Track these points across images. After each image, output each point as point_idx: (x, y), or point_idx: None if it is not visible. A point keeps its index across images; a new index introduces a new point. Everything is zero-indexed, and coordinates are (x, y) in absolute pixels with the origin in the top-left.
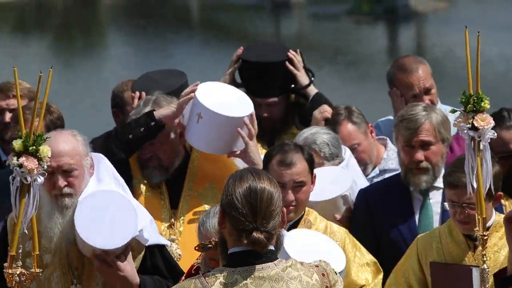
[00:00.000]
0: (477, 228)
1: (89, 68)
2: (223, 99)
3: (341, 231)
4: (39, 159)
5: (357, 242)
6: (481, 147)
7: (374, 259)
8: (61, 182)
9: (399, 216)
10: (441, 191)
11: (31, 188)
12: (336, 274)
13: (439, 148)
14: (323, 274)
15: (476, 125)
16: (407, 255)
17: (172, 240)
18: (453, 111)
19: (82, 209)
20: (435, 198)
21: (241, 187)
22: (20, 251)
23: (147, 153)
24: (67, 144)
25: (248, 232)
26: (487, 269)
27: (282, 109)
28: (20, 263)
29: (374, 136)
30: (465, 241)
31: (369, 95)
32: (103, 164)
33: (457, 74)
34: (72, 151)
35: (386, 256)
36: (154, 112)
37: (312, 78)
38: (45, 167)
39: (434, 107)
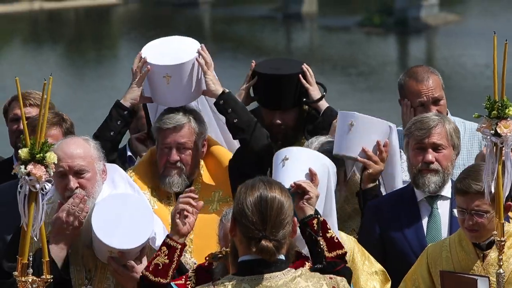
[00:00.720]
0: (495, 232)
1: (101, 80)
2: (175, 51)
3: (350, 240)
4: (46, 166)
5: (365, 251)
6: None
7: (383, 268)
8: (73, 183)
9: (407, 226)
10: (448, 201)
11: (38, 196)
12: None
13: (450, 153)
14: (333, 287)
15: (499, 131)
16: (417, 264)
17: (185, 250)
18: (478, 116)
19: (99, 210)
20: (443, 208)
21: (252, 196)
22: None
23: (173, 158)
24: (79, 147)
25: (257, 240)
26: (503, 273)
27: (295, 117)
28: (31, 270)
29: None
30: (474, 251)
31: (377, 105)
32: (118, 173)
33: (466, 87)
34: (83, 153)
35: (394, 266)
36: (121, 101)
37: (324, 93)
38: (52, 174)
39: (446, 116)
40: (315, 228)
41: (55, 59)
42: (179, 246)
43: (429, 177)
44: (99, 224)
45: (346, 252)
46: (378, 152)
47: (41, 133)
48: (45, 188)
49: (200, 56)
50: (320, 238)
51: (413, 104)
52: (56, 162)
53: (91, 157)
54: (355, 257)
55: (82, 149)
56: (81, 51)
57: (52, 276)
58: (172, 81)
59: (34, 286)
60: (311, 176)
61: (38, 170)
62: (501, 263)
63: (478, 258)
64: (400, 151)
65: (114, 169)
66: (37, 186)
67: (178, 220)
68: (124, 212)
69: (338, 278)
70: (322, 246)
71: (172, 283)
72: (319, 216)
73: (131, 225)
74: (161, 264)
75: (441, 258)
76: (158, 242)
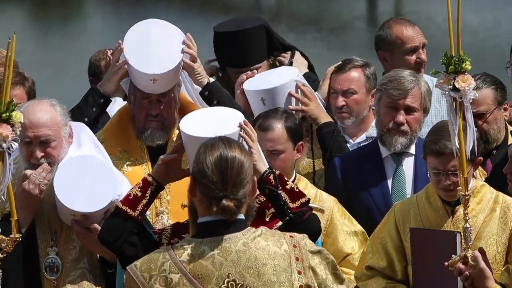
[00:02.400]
0: (459, 187)
1: (68, 37)
2: (156, 48)
3: (330, 200)
4: (12, 125)
5: (346, 211)
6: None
7: (363, 229)
8: (38, 153)
9: (372, 182)
10: (413, 157)
11: (5, 155)
12: (316, 253)
13: (420, 116)
14: (294, 246)
15: (457, 86)
16: (384, 222)
17: (162, 212)
18: (435, 72)
19: (61, 174)
20: (407, 165)
21: (212, 155)
22: None
23: (154, 110)
24: (45, 114)
25: (218, 199)
26: (470, 228)
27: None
28: None
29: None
30: (443, 207)
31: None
32: (84, 132)
33: (436, 42)
34: (50, 121)
35: (358, 220)
36: (98, 87)
37: (292, 59)
38: (18, 133)
39: (421, 77)
40: (273, 183)
41: (21, 17)
42: (155, 183)
43: (397, 137)
44: (61, 188)
45: (309, 199)
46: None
47: (6, 92)
48: (12, 148)
49: (186, 49)
50: (280, 191)
51: (403, 50)
52: (22, 120)
53: (58, 124)
54: (333, 217)
55: (49, 116)
56: (47, 8)
57: (20, 235)
58: (159, 82)
59: (3, 245)
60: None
61: (4, 130)
62: (467, 218)
63: (447, 214)
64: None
65: (80, 128)
66: (4, 145)
67: (161, 165)
68: (86, 175)
69: (299, 236)
70: (284, 199)
71: (148, 230)
72: (273, 170)
73: (93, 187)
74: (132, 195)
75: (410, 215)
76: None
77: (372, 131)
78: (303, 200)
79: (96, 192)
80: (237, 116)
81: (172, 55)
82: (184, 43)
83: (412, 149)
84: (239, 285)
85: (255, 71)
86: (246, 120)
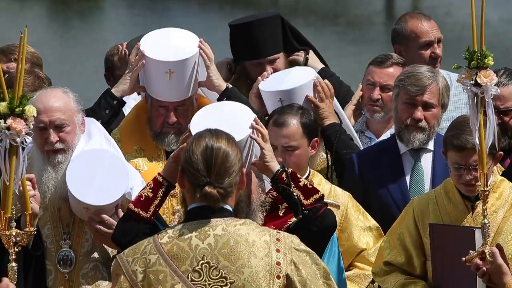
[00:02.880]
0: (479, 183)
1: (86, 32)
2: (176, 45)
3: (345, 195)
4: (25, 120)
5: (360, 206)
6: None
7: (377, 224)
8: (53, 137)
9: (390, 178)
10: (431, 153)
11: (19, 149)
12: (303, 252)
13: (438, 111)
14: (277, 239)
15: (479, 81)
16: (402, 217)
17: (178, 211)
18: (458, 67)
19: (73, 167)
20: (426, 161)
21: (199, 145)
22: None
23: (171, 119)
24: (58, 99)
25: (202, 186)
26: (488, 224)
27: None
28: (14, 224)
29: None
30: (462, 202)
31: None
32: (94, 125)
33: (455, 36)
34: (63, 106)
35: (377, 219)
36: (113, 90)
37: (308, 57)
38: (31, 127)
39: (439, 72)
40: (286, 181)
41: (40, 12)
42: (166, 183)
43: (415, 134)
44: (73, 181)
45: (323, 194)
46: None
47: (19, 87)
48: (26, 142)
49: (201, 50)
50: (293, 189)
51: (417, 44)
52: (35, 115)
53: (71, 110)
54: (348, 212)
55: (62, 101)
56: (66, 4)
57: (35, 229)
58: (175, 76)
59: (18, 239)
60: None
61: (18, 124)
62: (486, 213)
63: (467, 210)
64: None
65: (90, 121)
66: (18, 140)
67: (172, 162)
68: (98, 168)
69: (287, 234)
70: (298, 196)
71: (161, 228)
72: (286, 168)
73: (105, 181)
74: (143, 196)
75: (429, 210)
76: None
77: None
78: (317, 196)
79: (108, 185)
80: (249, 115)
81: (189, 48)
82: (199, 45)
83: (431, 145)
84: (213, 268)
85: (270, 70)
86: (258, 119)
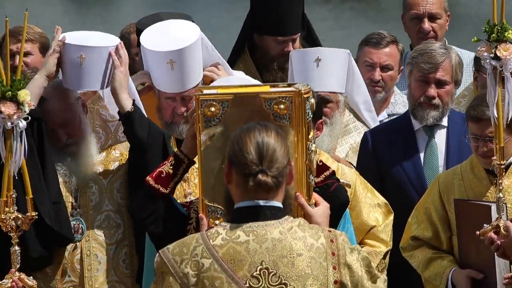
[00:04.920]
0: (494, 157)
1: (104, 15)
2: (172, 34)
3: (352, 173)
4: (19, 104)
5: (368, 183)
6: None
7: (385, 201)
8: (62, 136)
9: (404, 155)
10: (445, 129)
11: (14, 133)
12: (353, 251)
13: (451, 88)
14: (331, 240)
15: (498, 54)
16: (428, 193)
17: (189, 194)
18: (477, 40)
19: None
20: (440, 137)
21: (249, 137)
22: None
23: (179, 109)
24: (59, 99)
25: (255, 175)
26: (503, 198)
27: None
28: (15, 207)
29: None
30: (487, 177)
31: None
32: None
33: (474, 13)
34: (65, 104)
35: (392, 195)
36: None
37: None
38: (27, 111)
39: (451, 48)
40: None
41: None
42: (186, 161)
43: (428, 111)
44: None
45: (334, 171)
46: None
47: (17, 70)
48: (19, 127)
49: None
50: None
51: (406, 17)
52: (29, 99)
53: (73, 104)
54: (357, 190)
55: (62, 100)
56: None
57: (36, 213)
58: (177, 66)
59: (18, 223)
60: None
61: (7, 108)
62: (501, 187)
63: (491, 184)
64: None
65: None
66: (9, 124)
67: (190, 139)
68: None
69: (337, 231)
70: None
71: (176, 204)
72: None
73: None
74: (164, 172)
75: (454, 186)
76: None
77: (392, 108)
78: (327, 173)
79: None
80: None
81: (188, 37)
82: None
83: (445, 121)
84: (272, 274)
85: (291, 48)
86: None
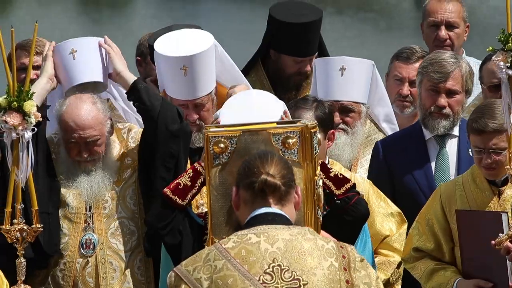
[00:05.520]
0: (507, 166)
1: (117, 24)
2: (185, 40)
3: (365, 183)
4: (25, 114)
5: (381, 193)
6: None
7: (399, 210)
8: (85, 153)
9: (416, 164)
10: (456, 139)
11: (21, 144)
12: (363, 262)
13: (462, 98)
14: (341, 247)
15: None
16: (429, 204)
17: (202, 205)
18: (492, 50)
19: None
20: (451, 147)
21: (252, 159)
22: None
23: (192, 117)
24: (88, 115)
25: (259, 176)
26: None
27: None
28: (22, 219)
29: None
30: (489, 188)
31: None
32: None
33: (492, 23)
34: (94, 122)
35: (403, 205)
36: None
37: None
38: (34, 122)
39: (462, 57)
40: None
41: (72, 6)
42: (204, 173)
43: (439, 121)
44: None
45: (354, 183)
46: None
47: (26, 81)
48: (25, 137)
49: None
50: (324, 179)
51: (425, 23)
52: (34, 110)
53: (101, 122)
54: (370, 199)
55: (92, 115)
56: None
57: (42, 225)
58: (190, 72)
59: (24, 234)
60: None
61: (13, 119)
62: None
63: (494, 195)
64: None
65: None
66: (14, 135)
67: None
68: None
69: (346, 244)
70: (329, 187)
71: (193, 214)
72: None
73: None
74: (182, 184)
75: (456, 196)
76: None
77: None
78: (348, 185)
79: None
80: (278, 102)
81: (202, 43)
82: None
83: (456, 131)
84: (285, 270)
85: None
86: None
